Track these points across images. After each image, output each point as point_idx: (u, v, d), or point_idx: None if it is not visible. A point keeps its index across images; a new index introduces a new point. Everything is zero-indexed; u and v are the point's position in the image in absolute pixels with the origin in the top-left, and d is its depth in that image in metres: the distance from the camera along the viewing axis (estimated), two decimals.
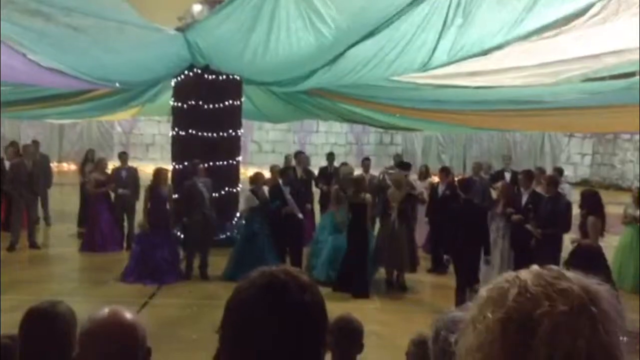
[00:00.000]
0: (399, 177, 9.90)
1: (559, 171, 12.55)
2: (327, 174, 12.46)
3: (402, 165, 12.05)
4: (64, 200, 14.81)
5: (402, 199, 9.36)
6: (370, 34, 9.23)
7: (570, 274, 0.91)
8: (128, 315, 1.88)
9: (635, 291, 9.15)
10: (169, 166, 11.80)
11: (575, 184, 19.66)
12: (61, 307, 2.56)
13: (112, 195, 11.56)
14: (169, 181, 10.28)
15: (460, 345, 0.91)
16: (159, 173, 9.89)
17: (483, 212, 8.75)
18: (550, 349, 0.81)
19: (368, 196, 9.33)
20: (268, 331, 1.19)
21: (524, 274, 0.91)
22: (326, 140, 24.30)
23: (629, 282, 9.43)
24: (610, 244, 10.02)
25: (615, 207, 12.76)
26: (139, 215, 10.55)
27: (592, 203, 8.19)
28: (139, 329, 1.86)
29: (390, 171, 11.62)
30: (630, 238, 9.90)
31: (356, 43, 9.51)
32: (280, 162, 12.80)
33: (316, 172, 12.84)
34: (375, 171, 12.78)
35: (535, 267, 0.92)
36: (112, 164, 12.68)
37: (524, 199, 9.40)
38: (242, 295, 1.23)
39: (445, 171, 11.47)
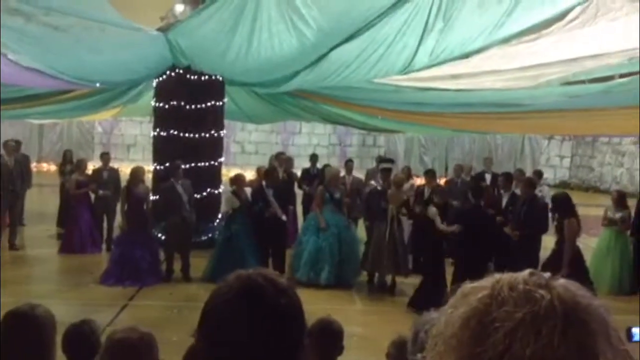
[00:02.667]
0: (401, 177, 9.80)
1: (538, 174, 12.68)
2: (310, 176, 12.44)
3: (385, 161, 11.95)
4: (43, 200, 14.64)
5: (401, 200, 9.23)
6: (352, 36, 9.26)
7: (562, 283, 0.85)
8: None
9: (611, 293, 9.29)
10: (150, 167, 11.74)
11: (554, 186, 19.88)
12: (40, 310, 2.54)
13: (92, 196, 11.46)
14: (149, 181, 10.19)
15: (430, 334, 0.91)
16: (135, 172, 9.80)
17: (492, 218, 8.69)
18: (499, 354, 0.79)
19: (433, 210, 8.57)
20: (244, 335, 1.19)
21: (507, 278, 0.87)
22: (309, 142, 24.28)
23: (605, 284, 9.54)
24: (588, 246, 10.15)
25: (593, 209, 12.93)
26: (119, 217, 10.48)
27: (565, 206, 8.28)
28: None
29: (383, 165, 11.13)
30: (607, 240, 10.03)
31: (338, 45, 9.53)
32: (263, 164, 12.78)
33: (299, 173, 12.83)
34: (357, 172, 12.80)
35: (525, 272, 0.87)
36: (93, 165, 12.55)
37: (504, 200, 9.51)
38: (219, 299, 1.23)
39: (430, 174, 11.24)
